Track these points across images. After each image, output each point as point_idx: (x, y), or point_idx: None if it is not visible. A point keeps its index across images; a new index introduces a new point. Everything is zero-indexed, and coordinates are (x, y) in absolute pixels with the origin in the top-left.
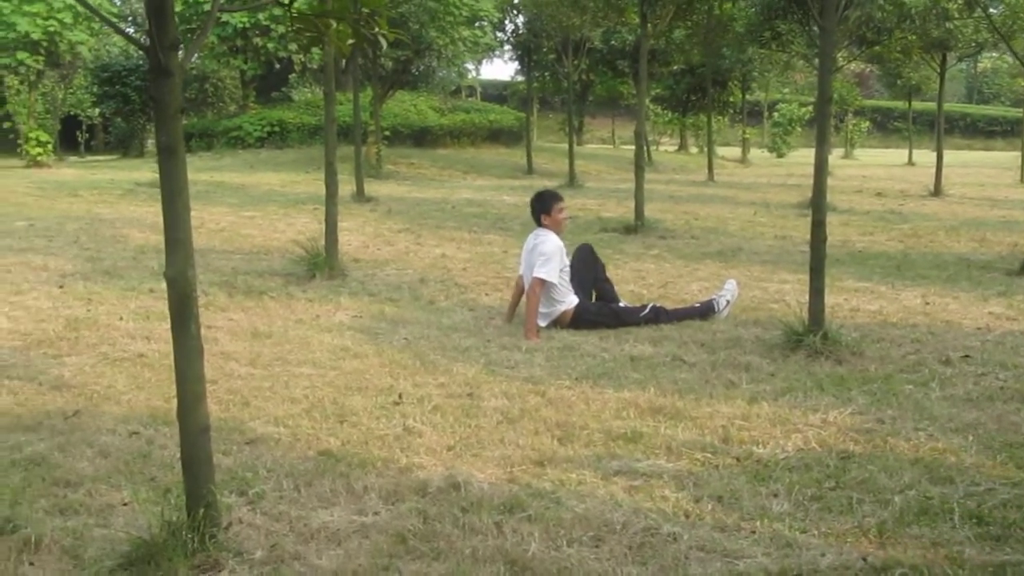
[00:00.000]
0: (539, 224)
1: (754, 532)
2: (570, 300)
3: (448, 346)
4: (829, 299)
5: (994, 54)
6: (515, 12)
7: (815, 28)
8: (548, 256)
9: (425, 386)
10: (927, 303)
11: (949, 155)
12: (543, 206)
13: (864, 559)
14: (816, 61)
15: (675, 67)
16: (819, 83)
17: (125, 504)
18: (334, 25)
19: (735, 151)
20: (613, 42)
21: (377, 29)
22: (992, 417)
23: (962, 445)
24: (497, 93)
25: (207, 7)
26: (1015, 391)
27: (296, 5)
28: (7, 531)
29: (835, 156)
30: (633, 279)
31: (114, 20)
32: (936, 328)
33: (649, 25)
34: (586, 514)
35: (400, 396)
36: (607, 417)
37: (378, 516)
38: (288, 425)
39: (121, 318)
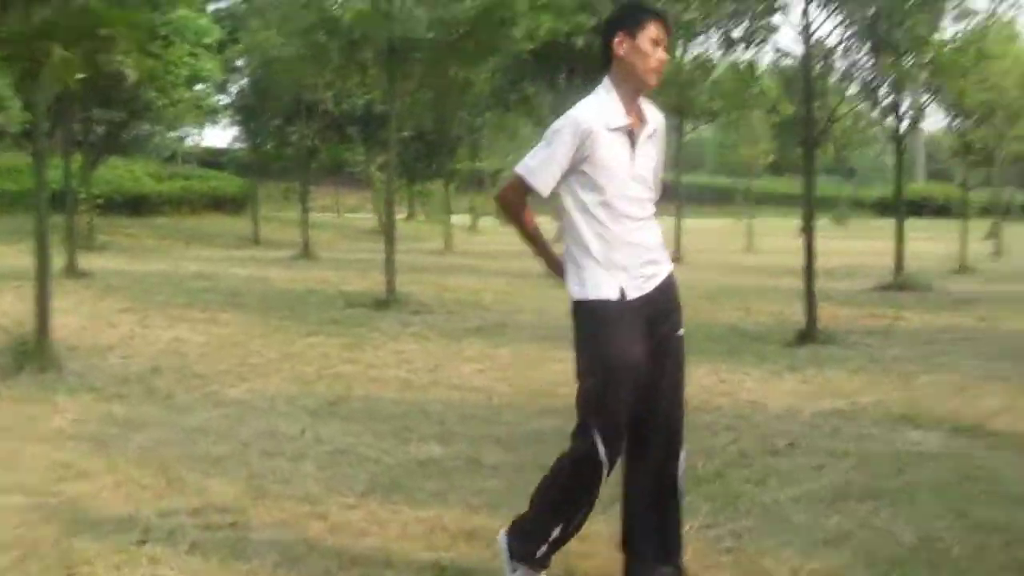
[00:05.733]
0: (606, 70)
1: None
2: (592, 276)
3: (197, 455)
4: None
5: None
6: (240, 74)
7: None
8: (548, 133)
9: (175, 514)
10: (722, 381)
11: (667, 221)
12: (620, 22)
13: None
14: None
15: (405, 133)
16: None
17: None
18: (57, 51)
19: (463, 219)
20: (344, 105)
21: (122, 57)
22: (857, 522)
23: (843, 563)
24: (214, 160)
25: None
26: (863, 486)
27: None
28: None
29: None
30: (396, 363)
31: None
32: (744, 411)
33: (396, 85)
34: None
35: (146, 532)
36: (414, 547)
37: None
38: None
39: None
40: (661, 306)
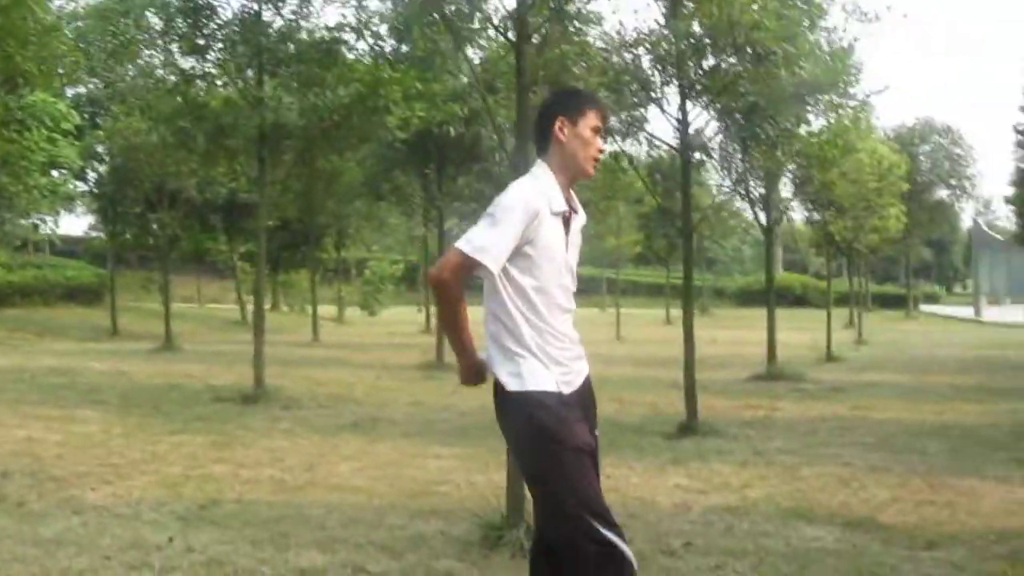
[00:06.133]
0: (541, 153)
1: None
2: (529, 367)
3: (54, 570)
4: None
5: None
6: (99, 161)
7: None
8: (495, 210)
9: None
10: (607, 476)
11: None
12: (561, 108)
13: None
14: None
15: (270, 222)
16: None
17: None
18: None
19: (329, 309)
20: (207, 194)
21: None
22: None
23: None
24: (68, 248)
25: None
26: None
27: None
28: None
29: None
30: (269, 461)
31: None
32: (633, 508)
33: (266, 173)
34: None
35: None
36: None
37: None
38: None
39: None
40: (584, 404)
